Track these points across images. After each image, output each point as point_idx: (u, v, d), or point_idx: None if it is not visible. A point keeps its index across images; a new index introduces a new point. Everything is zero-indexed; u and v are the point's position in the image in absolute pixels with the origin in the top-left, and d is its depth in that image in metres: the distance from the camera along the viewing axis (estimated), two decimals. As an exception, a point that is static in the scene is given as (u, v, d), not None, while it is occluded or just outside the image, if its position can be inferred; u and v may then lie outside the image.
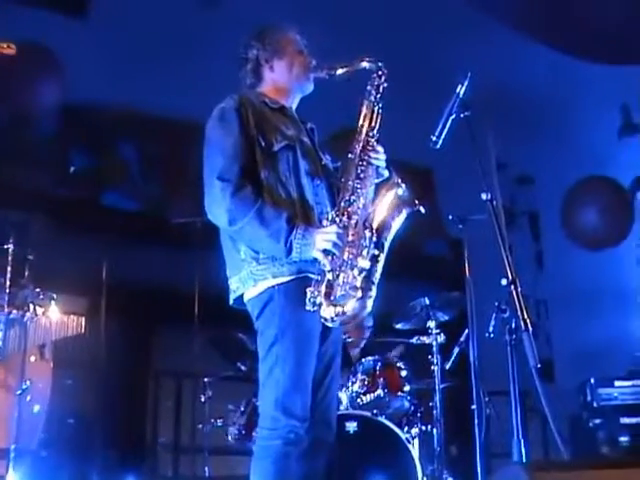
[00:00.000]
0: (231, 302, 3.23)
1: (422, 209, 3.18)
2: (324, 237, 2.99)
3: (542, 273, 8.42)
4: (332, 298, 2.98)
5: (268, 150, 3.15)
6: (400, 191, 3.17)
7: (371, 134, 3.23)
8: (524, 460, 2.82)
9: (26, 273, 4.82)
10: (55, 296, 4.97)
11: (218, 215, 3.06)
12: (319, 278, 3.00)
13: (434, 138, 3.17)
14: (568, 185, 7.99)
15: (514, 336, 2.95)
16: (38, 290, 4.82)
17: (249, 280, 3.10)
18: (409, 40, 6.98)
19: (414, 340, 5.16)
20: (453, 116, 3.18)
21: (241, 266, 3.13)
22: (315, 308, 2.98)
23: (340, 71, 3.31)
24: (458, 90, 3.19)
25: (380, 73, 3.28)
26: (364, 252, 3.05)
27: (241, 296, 3.17)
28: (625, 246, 7.88)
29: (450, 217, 4.84)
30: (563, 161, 7.89)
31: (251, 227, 3.01)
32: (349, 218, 3.09)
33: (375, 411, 4.76)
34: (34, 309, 4.78)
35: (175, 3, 6.78)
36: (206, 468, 5.15)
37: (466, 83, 3.19)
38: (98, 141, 6.97)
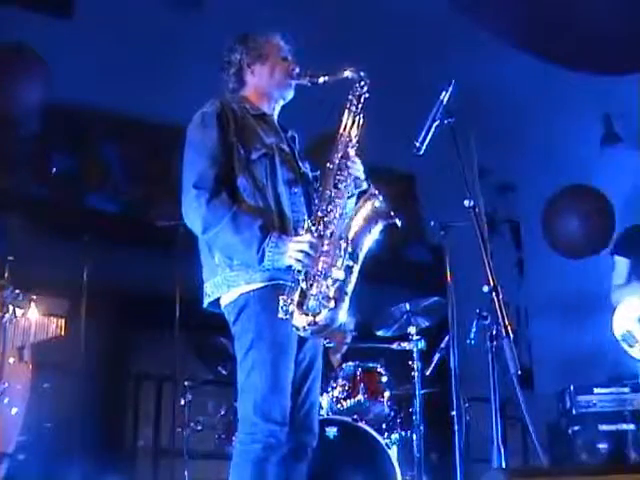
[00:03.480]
0: (205, 305, 3.25)
1: (398, 222, 3.18)
2: (297, 246, 3.01)
3: (523, 281, 8.45)
4: (304, 307, 3.00)
5: (246, 158, 3.17)
6: (377, 203, 3.17)
7: (350, 144, 3.24)
8: (503, 467, 2.83)
9: (6, 274, 4.79)
10: (35, 298, 4.94)
11: (193, 222, 3.10)
12: (292, 286, 3.02)
13: (417, 144, 3.18)
14: (549, 193, 8.02)
15: (495, 343, 2.96)
16: (18, 291, 4.80)
17: (222, 286, 3.14)
18: (393, 47, 7.00)
19: (395, 346, 5.16)
20: (437, 123, 3.19)
21: (215, 271, 3.16)
22: (287, 316, 2.99)
23: (322, 79, 3.33)
24: (442, 97, 3.20)
25: (362, 83, 3.29)
26: (338, 262, 3.05)
27: (215, 300, 3.19)
28: (605, 255, 7.92)
29: (432, 223, 4.85)
30: (545, 169, 7.92)
31: (225, 234, 3.04)
32: (325, 228, 3.10)
33: (355, 416, 4.76)
34: (13, 310, 4.75)
35: (159, 6, 6.77)
36: (185, 472, 5.13)
37: (450, 90, 3.20)
38: (80, 142, 6.94)
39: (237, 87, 3.43)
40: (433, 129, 3.18)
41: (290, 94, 3.44)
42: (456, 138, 3.13)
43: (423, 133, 3.18)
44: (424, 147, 3.18)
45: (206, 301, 3.23)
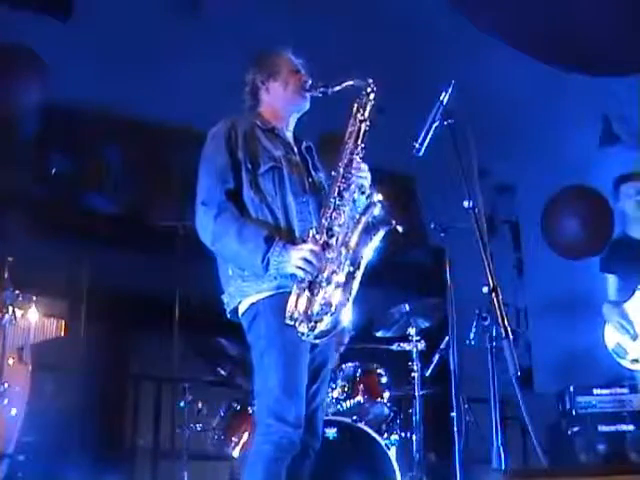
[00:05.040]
0: (228, 315, 3.38)
1: (399, 228, 3.26)
2: (299, 254, 3.11)
3: (522, 281, 8.45)
4: (309, 314, 3.09)
5: (254, 172, 3.30)
6: (376, 211, 3.24)
7: (356, 152, 3.31)
8: (503, 467, 2.83)
9: (5, 275, 4.79)
10: (35, 298, 4.95)
11: (204, 236, 3.25)
12: (299, 293, 3.11)
13: (417, 145, 3.19)
14: (549, 194, 8.02)
15: (494, 344, 2.96)
16: (18, 292, 4.80)
17: (236, 296, 3.28)
18: (392, 48, 7.00)
19: (394, 347, 5.16)
20: (436, 124, 3.20)
21: (229, 282, 3.31)
22: (292, 322, 3.09)
23: (333, 89, 3.41)
24: (441, 98, 3.21)
25: (369, 90, 3.36)
26: (339, 269, 3.15)
27: (233, 310, 3.33)
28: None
29: (432, 225, 4.86)
30: (544, 170, 7.92)
31: (232, 246, 3.18)
32: (329, 236, 3.19)
33: (355, 417, 4.77)
34: (13, 311, 4.75)
35: (159, 8, 6.77)
36: (185, 473, 5.13)
37: (449, 91, 3.21)
38: (80, 143, 6.93)
39: (253, 105, 3.56)
40: (432, 130, 3.19)
41: (305, 106, 3.54)
42: (455, 139, 3.14)
43: (423, 134, 3.20)
44: (424, 148, 3.20)
45: (227, 311, 3.37)
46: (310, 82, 3.47)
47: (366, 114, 3.35)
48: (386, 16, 7.06)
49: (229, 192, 3.25)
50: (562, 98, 7.82)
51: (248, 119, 3.45)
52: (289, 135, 3.54)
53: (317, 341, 3.14)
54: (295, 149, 3.48)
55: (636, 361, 5.31)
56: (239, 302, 3.27)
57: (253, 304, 3.23)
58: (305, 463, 3.25)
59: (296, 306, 3.09)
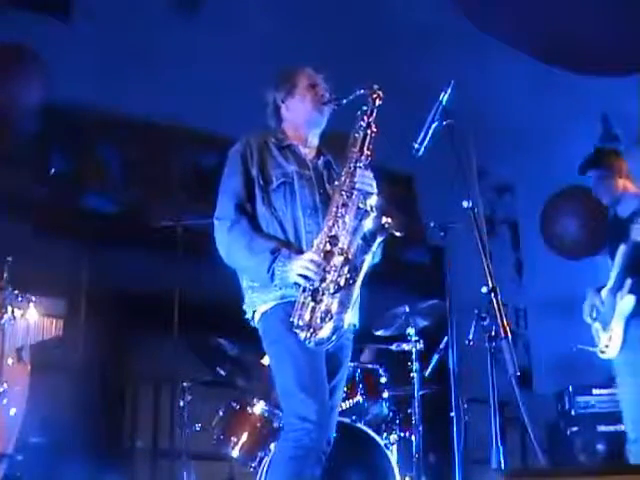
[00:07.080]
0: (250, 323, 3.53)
1: (397, 233, 3.31)
2: (300, 263, 3.21)
3: (521, 281, 8.45)
4: (311, 321, 3.19)
5: (266, 188, 3.43)
6: (369, 220, 3.28)
7: (361, 159, 3.36)
8: (502, 467, 2.83)
9: (4, 275, 4.79)
10: (34, 299, 4.94)
11: (220, 249, 3.42)
12: (303, 301, 3.21)
13: (416, 145, 3.20)
14: (548, 194, 8.02)
15: (493, 344, 2.96)
16: (16, 292, 4.79)
17: (249, 306, 3.45)
18: (392, 47, 7.00)
19: (393, 347, 5.16)
20: (435, 124, 3.20)
21: (244, 293, 3.49)
22: (296, 330, 3.19)
23: (346, 100, 3.47)
24: (441, 98, 3.21)
25: (375, 96, 3.41)
26: (339, 276, 3.22)
27: (250, 318, 3.48)
28: (604, 255, 7.92)
29: (431, 224, 4.86)
30: (543, 170, 7.92)
31: (242, 258, 3.35)
32: (333, 244, 3.25)
33: (354, 417, 4.76)
34: (12, 311, 4.75)
35: (158, 8, 6.78)
36: (184, 473, 5.13)
37: (449, 91, 3.21)
38: (79, 143, 6.93)
39: (277, 123, 3.65)
40: (432, 130, 3.20)
41: (323, 121, 3.58)
42: (455, 139, 3.14)
43: (422, 134, 3.20)
44: (423, 148, 3.20)
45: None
46: (327, 96, 3.52)
47: (371, 120, 3.39)
48: (386, 16, 7.06)
49: (242, 208, 3.39)
50: (562, 98, 7.82)
51: (264, 136, 3.56)
52: (307, 151, 3.59)
53: (318, 347, 3.21)
54: (311, 164, 3.54)
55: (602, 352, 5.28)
56: (253, 312, 3.43)
57: (263, 313, 3.38)
58: (317, 467, 3.27)
59: (299, 314, 3.19)
